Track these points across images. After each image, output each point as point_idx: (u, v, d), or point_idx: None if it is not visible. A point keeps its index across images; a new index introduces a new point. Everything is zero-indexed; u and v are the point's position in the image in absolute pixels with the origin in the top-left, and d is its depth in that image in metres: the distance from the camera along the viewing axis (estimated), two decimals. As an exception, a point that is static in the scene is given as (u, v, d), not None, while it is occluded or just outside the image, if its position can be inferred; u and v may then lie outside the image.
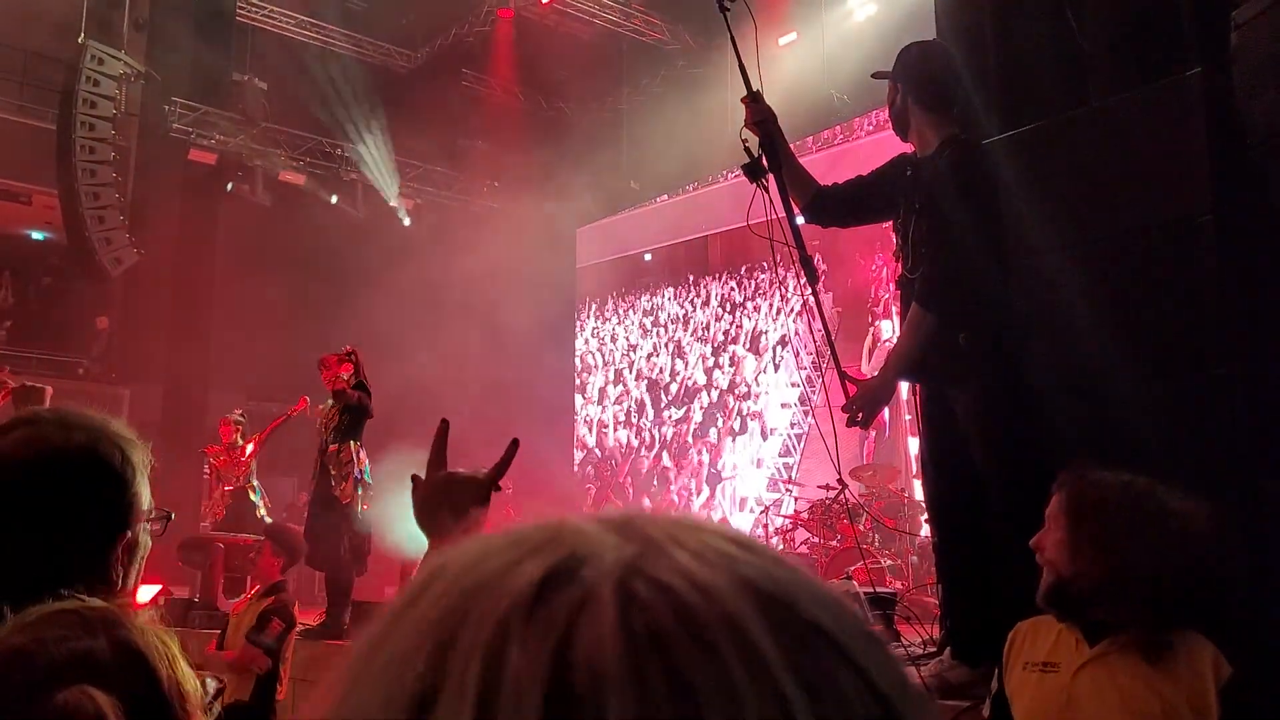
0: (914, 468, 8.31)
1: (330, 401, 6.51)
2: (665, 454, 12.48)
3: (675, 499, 12.05)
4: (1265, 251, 2.72)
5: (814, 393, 10.22)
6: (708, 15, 3.74)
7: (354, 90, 12.93)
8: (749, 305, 11.92)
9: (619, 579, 0.31)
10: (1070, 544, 1.94)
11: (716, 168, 11.08)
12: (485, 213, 14.11)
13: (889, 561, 7.28)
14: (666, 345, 12.97)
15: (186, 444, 10.94)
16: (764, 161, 3.33)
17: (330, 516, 6.29)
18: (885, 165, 3.49)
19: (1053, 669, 2.00)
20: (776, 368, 11.32)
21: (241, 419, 9.17)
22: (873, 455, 9.21)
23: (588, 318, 14.10)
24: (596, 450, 13.55)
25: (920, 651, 3.53)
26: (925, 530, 6.33)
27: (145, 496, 1.25)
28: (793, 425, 10.87)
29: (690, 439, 12.13)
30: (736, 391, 11.74)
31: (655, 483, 12.47)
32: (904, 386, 3.55)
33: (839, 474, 4.03)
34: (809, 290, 3.30)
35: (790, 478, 10.31)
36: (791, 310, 10.91)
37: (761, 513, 9.64)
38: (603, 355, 13.87)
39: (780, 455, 10.92)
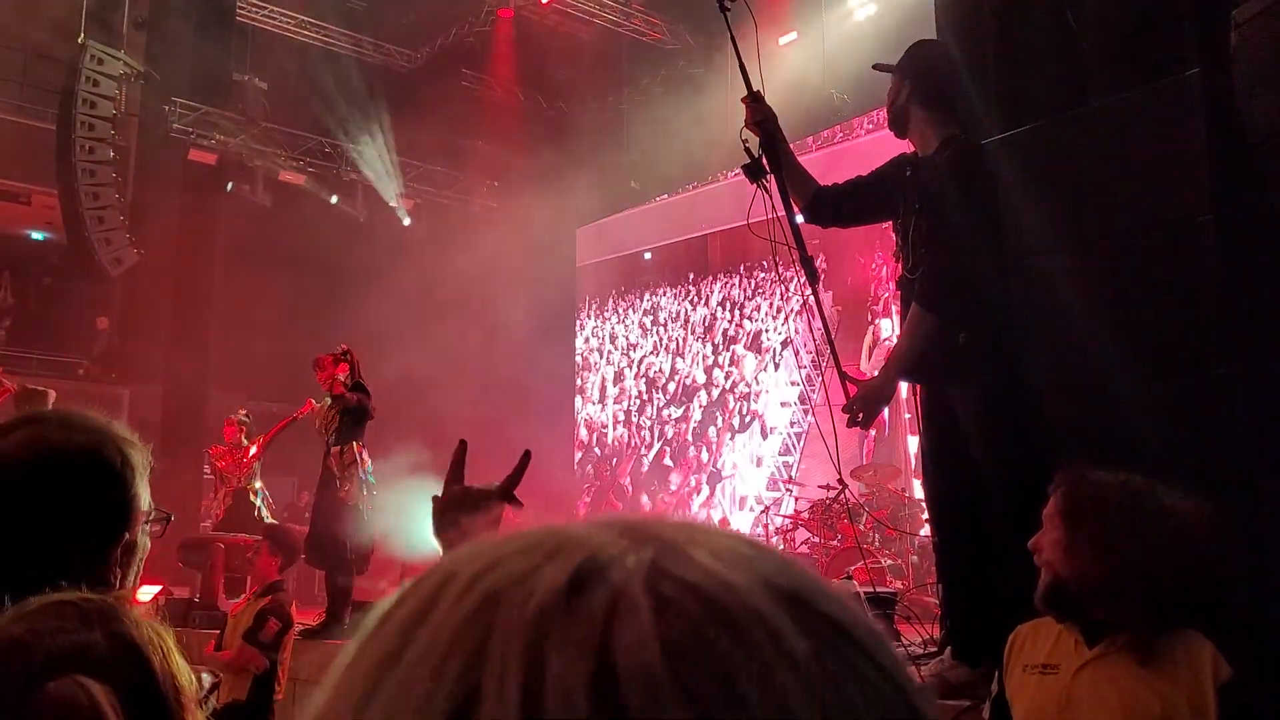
0: (914, 467, 8.31)
1: (328, 401, 6.49)
2: (665, 453, 12.48)
3: (675, 498, 12.05)
4: (1265, 251, 2.72)
5: (814, 392, 10.22)
6: (708, 15, 3.75)
7: (354, 90, 12.93)
8: (749, 304, 11.93)
9: (646, 579, 0.31)
10: (1068, 544, 1.93)
11: (717, 167, 11.08)
12: (485, 213, 14.11)
13: (889, 561, 7.29)
14: (666, 344, 12.97)
15: (186, 444, 10.95)
16: (764, 162, 3.33)
17: (335, 518, 6.27)
18: (885, 165, 3.49)
19: (1052, 670, 2.00)
20: (776, 366, 11.32)
21: (246, 419, 9.13)
22: (872, 455, 9.21)
23: (587, 317, 14.10)
24: (596, 449, 13.55)
25: (920, 651, 3.54)
26: (925, 530, 6.33)
27: (145, 498, 1.25)
28: (792, 424, 10.87)
29: (690, 437, 12.14)
30: (736, 390, 11.75)
31: (655, 482, 12.47)
32: (904, 386, 3.55)
33: (839, 474, 4.04)
34: (809, 290, 3.30)
35: (790, 477, 10.31)
36: (791, 312, 10.91)
37: (761, 512, 9.65)
38: (602, 354, 13.88)
39: (780, 454, 10.92)
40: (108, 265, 11.17)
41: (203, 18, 11.91)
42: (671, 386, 12.70)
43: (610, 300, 13.88)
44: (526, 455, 1.36)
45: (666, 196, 12.80)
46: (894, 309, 9.14)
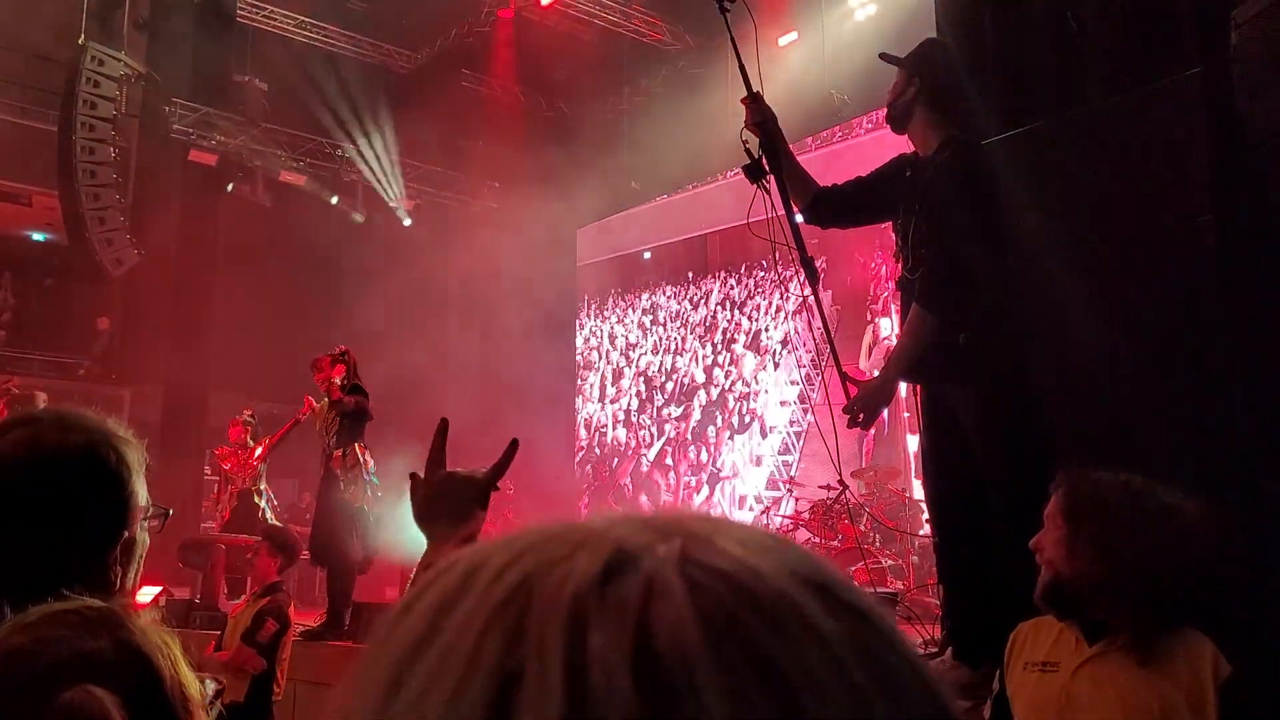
0: (914, 467, 8.30)
1: (325, 401, 6.46)
2: (665, 452, 12.48)
3: (675, 497, 12.04)
4: (1265, 251, 2.72)
5: (813, 391, 10.22)
6: (708, 15, 3.74)
7: (354, 90, 12.93)
8: (749, 304, 11.93)
9: (679, 566, 0.32)
10: (1069, 544, 1.93)
11: (717, 167, 11.07)
12: (485, 213, 14.11)
13: (889, 561, 7.28)
14: (666, 343, 12.97)
15: (186, 444, 10.95)
16: (764, 163, 3.33)
17: (338, 519, 6.26)
18: (885, 166, 3.49)
19: (1052, 668, 2.00)
20: (776, 366, 11.32)
21: (252, 420, 9.10)
22: (872, 455, 9.20)
23: (587, 316, 14.10)
24: (595, 449, 13.55)
25: (921, 652, 3.53)
26: (925, 530, 6.33)
27: (142, 494, 1.25)
28: (792, 423, 10.87)
29: (689, 437, 12.13)
30: (736, 390, 11.75)
31: (655, 481, 12.47)
32: (904, 386, 3.55)
33: (839, 474, 4.04)
34: (809, 290, 3.30)
35: (790, 476, 10.31)
36: (790, 312, 10.91)
37: (762, 512, 9.64)
38: (601, 354, 13.88)
39: (780, 453, 10.92)
40: (108, 266, 11.17)
41: (203, 18, 11.90)
42: (671, 386, 12.70)
43: (610, 300, 13.89)
44: (514, 444, 1.36)
45: (666, 196, 12.80)
46: (893, 309, 9.13)
